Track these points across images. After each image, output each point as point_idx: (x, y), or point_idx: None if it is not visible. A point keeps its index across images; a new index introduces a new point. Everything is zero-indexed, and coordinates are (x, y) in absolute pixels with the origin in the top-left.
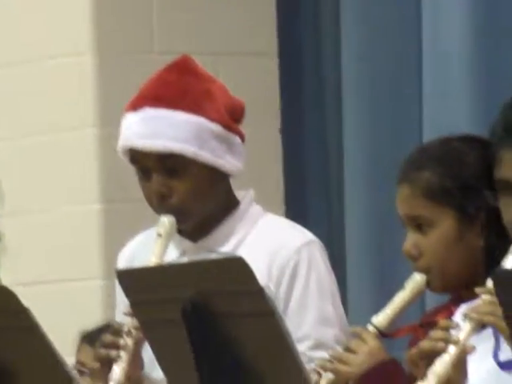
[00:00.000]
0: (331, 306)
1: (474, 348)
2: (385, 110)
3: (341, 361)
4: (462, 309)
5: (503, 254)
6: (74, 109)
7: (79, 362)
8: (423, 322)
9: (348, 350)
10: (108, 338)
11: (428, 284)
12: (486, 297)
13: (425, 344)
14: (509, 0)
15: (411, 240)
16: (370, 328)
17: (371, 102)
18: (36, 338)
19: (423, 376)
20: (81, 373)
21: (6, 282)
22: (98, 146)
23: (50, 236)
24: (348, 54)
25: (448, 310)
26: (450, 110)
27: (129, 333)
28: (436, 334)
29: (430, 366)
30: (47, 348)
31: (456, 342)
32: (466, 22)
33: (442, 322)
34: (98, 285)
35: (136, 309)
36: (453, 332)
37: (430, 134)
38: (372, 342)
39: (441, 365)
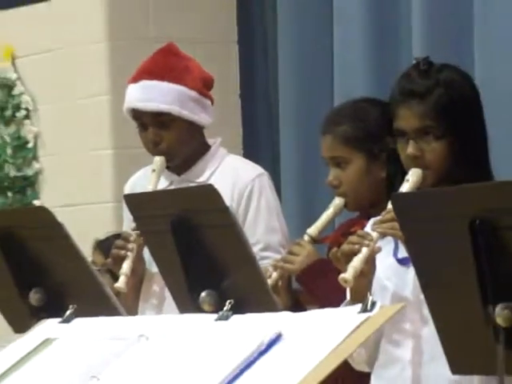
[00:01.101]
0: (276, 220)
1: (380, 249)
2: (311, 82)
3: (286, 261)
4: (371, 222)
5: (400, 182)
6: (91, 82)
7: (93, 262)
8: (343, 232)
9: (291, 253)
10: (119, 242)
11: (345, 205)
12: (387, 215)
13: (345, 247)
14: None
15: (333, 174)
16: (306, 237)
17: (300, 78)
18: (68, 245)
19: (344, 269)
20: None
21: (46, 205)
22: (111, 110)
23: (76, 172)
24: (283, 42)
25: (361, 223)
26: (354, 82)
27: (134, 239)
28: (353, 239)
29: (350, 263)
30: (75, 251)
31: (367, 245)
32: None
33: (359, 231)
34: (110, 206)
35: (138, 222)
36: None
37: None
38: (308, 247)
39: (357, 261)
